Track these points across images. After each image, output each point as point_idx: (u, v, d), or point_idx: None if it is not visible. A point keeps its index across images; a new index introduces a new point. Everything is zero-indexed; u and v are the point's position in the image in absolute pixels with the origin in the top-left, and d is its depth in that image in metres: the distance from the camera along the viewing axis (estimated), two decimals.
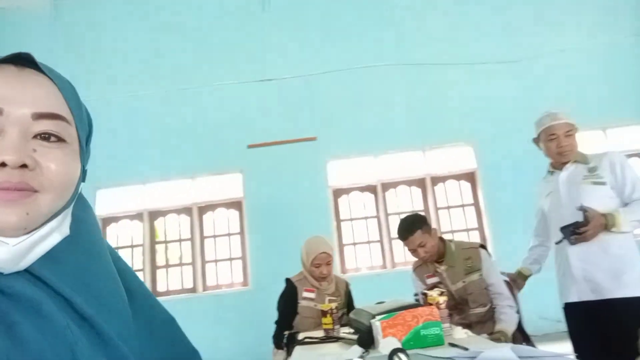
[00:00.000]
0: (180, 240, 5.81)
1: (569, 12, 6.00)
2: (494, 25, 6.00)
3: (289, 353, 2.34)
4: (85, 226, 0.63)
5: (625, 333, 1.61)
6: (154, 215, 5.84)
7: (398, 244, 5.62)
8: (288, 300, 2.50)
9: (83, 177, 0.62)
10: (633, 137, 5.74)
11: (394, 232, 5.61)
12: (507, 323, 2.22)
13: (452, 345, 1.42)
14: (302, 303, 2.48)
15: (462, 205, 5.77)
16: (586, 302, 2.01)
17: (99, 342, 0.57)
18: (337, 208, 5.76)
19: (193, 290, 5.61)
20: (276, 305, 2.58)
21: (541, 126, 2.23)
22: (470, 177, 5.80)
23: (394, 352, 1.14)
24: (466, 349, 1.29)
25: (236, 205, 5.83)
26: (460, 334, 1.56)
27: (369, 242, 5.67)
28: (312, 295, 2.49)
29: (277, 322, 2.52)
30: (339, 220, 5.73)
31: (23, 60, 0.58)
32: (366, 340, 1.50)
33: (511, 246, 4.98)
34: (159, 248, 5.81)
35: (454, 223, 5.70)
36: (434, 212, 5.66)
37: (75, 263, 0.60)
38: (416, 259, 2.55)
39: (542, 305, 4.17)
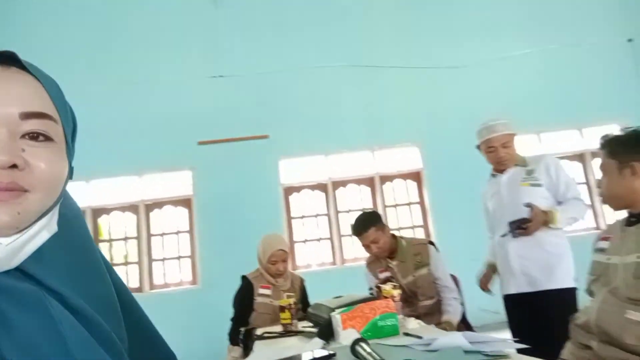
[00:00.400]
0: (125, 239, 5.64)
1: (509, 21, 6.38)
2: (441, 32, 6.27)
3: (245, 349, 2.37)
4: (71, 222, 0.65)
5: (557, 320, 1.78)
6: (97, 212, 5.64)
7: (347, 241, 5.77)
8: (244, 297, 2.53)
9: (70, 174, 0.62)
10: (565, 141, 6.22)
11: (344, 230, 5.79)
12: (452, 314, 2.38)
13: (407, 334, 1.53)
14: (258, 299, 2.52)
15: (409, 204, 6.00)
16: (524, 294, 2.19)
17: (91, 333, 0.59)
18: (288, 206, 5.81)
19: (139, 289, 5.47)
20: (232, 303, 2.60)
21: (480, 138, 2.40)
22: (416, 176, 6.04)
23: (356, 342, 1.22)
24: (420, 337, 1.39)
25: (185, 202, 5.73)
26: (413, 324, 1.67)
27: (319, 240, 5.77)
28: (268, 291, 2.53)
29: (233, 319, 2.54)
30: (290, 218, 5.78)
31: (6, 59, 0.57)
32: (326, 332, 1.57)
33: (453, 242, 5.27)
34: (103, 246, 5.61)
35: (400, 220, 5.91)
36: (382, 209, 5.84)
37: (63, 259, 0.61)
38: (369, 255, 2.65)
39: (482, 297, 4.44)
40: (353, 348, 1.21)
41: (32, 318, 0.53)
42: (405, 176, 6.05)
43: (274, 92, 5.92)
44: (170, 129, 5.71)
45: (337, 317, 1.52)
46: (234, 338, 2.47)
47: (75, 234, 0.65)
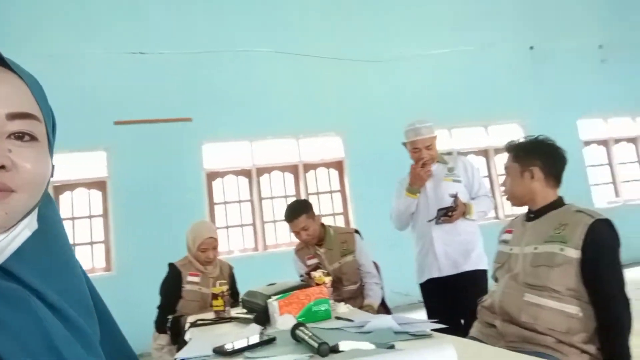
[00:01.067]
0: None
1: (431, 21, 6.76)
2: (368, 26, 6.49)
3: (173, 336, 2.37)
4: (47, 218, 0.65)
5: (471, 299, 2.00)
6: None
7: (270, 228, 5.84)
8: (172, 285, 2.52)
9: (52, 172, 0.63)
10: (472, 137, 6.76)
11: (267, 216, 5.85)
12: (373, 298, 2.56)
13: (338, 318, 1.64)
14: (186, 287, 2.52)
15: (330, 192, 6.19)
16: (445, 277, 2.44)
17: (71, 330, 0.61)
18: (210, 191, 5.73)
19: None
20: (159, 290, 2.57)
21: (407, 138, 2.60)
22: (338, 165, 6.24)
23: (296, 326, 1.30)
24: (351, 320, 1.52)
25: (99, 185, 5.44)
26: (343, 308, 1.79)
27: (242, 226, 5.78)
28: (196, 279, 2.54)
29: (159, 307, 2.52)
30: (212, 204, 5.71)
31: None
32: (263, 318, 1.64)
33: (372, 230, 5.53)
34: None
35: (322, 208, 6.08)
36: (304, 197, 5.97)
37: (41, 256, 0.62)
38: (298, 242, 2.76)
39: (395, 281, 4.76)
40: (294, 332, 1.29)
41: (19, 316, 0.53)
42: (328, 165, 6.23)
43: (199, 74, 5.77)
44: (85, 107, 5.35)
45: (274, 303, 1.60)
46: (160, 326, 2.46)
47: (51, 230, 0.65)
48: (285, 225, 5.89)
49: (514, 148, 1.73)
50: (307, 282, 2.07)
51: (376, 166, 6.09)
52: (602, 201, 7.26)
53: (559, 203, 1.65)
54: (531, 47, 7.22)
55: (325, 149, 6.23)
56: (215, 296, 2.03)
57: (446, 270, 2.44)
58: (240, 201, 5.82)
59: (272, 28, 6.10)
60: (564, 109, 7.09)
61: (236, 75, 5.87)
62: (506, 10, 7.23)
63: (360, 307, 2.46)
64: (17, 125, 0.57)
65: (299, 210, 2.63)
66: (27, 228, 0.59)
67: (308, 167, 6.13)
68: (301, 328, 1.29)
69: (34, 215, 0.61)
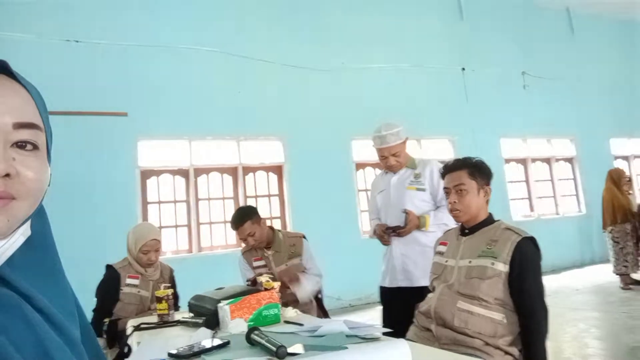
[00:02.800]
0: None
1: (372, 37, 7.01)
2: (314, 36, 6.62)
3: (109, 340, 2.30)
4: (36, 224, 0.66)
5: None
6: None
7: (206, 229, 5.75)
8: (109, 287, 2.43)
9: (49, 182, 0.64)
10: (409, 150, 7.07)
11: (204, 217, 5.76)
12: (307, 279, 2.60)
13: (287, 322, 1.70)
14: (124, 290, 2.45)
15: (269, 196, 6.22)
16: (400, 288, 2.46)
17: (60, 336, 0.62)
18: (144, 190, 5.55)
19: None
20: (95, 292, 2.48)
21: (374, 144, 2.57)
22: (278, 169, 6.29)
23: (252, 330, 1.35)
24: (301, 325, 1.58)
25: None
26: (291, 312, 1.85)
27: (176, 227, 5.64)
28: (136, 282, 2.48)
29: (95, 310, 2.42)
30: (145, 203, 5.53)
31: None
32: (213, 322, 1.66)
33: (309, 234, 5.65)
34: None
35: (260, 211, 6.08)
36: (242, 200, 5.95)
37: (31, 262, 0.63)
38: (245, 245, 2.78)
39: (328, 286, 4.88)
40: (249, 336, 1.33)
41: (13, 322, 0.54)
42: (267, 168, 6.25)
43: (138, 68, 5.57)
44: None
45: (225, 307, 1.62)
46: (96, 329, 2.36)
47: (39, 236, 0.66)
48: (221, 227, 5.86)
49: (470, 166, 1.82)
50: (251, 286, 2.10)
51: (315, 172, 6.22)
52: (518, 215, 7.90)
53: (490, 220, 1.82)
54: (463, 69, 7.71)
55: (266, 152, 6.25)
56: (159, 299, 2.01)
57: (402, 282, 2.45)
58: (175, 201, 5.69)
59: (217, 28, 6.04)
60: (489, 128, 7.64)
61: (177, 72, 5.73)
62: (441, 32, 7.68)
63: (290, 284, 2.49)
64: (22, 135, 0.58)
65: (243, 216, 2.64)
66: (22, 235, 0.60)
67: (247, 169, 6.11)
68: (256, 332, 1.34)
69: (28, 223, 0.62)
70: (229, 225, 5.82)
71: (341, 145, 6.57)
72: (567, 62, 8.76)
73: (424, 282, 2.34)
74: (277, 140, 6.30)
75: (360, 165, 6.81)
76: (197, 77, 5.83)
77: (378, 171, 6.99)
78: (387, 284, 2.54)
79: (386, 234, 2.47)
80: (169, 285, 2.13)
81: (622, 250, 5.47)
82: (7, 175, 0.55)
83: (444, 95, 7.44)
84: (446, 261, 1.85)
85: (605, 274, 6.52)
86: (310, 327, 1.48)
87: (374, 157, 7.20)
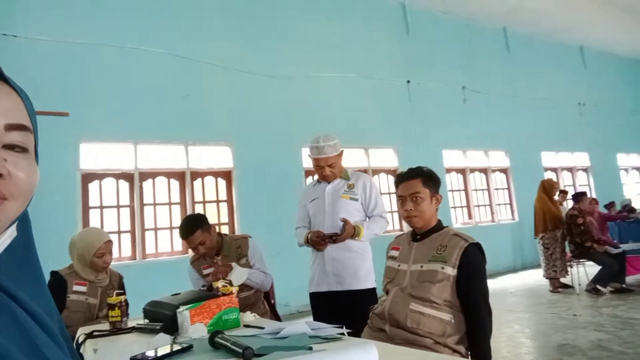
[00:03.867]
0: None
1: (322, 46, 7.14)
2: (265, 42, 6.64)
3: None
4: (23, 227, 0.67)
5: (359, 315, 2.17)
6: None
7: (151, 236, 5.59)
8: (55, 294, 2.31)
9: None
10: (353, 157, 7.25)
11: (149, 223, 5.59)
12: (252, 271, 2.63)
13: (247, 326, 1.72)
14: (71, 297, 2.35)
15: (217, 201, 6.14)
16: (333, 292, 2.53)
17: (46, 334, 0.63)
18: (85, 194, 5.31)
19: None
20: None
21: (310, 154, 2.63)
22: (227, 175, 6.23)
23: (215, 334, 1.36)
24: (262, 328, 1.61)
25: None
26: (250, 317, 1.86)
27: (119, 232, 5.43)
28: (83, 288, 2.39)
29: None
30: (86, 208, 5.29)
31: None
32: (171, 327, 1.65)
33: (257, 239, 5.66)
34: None
35: (209, 217, 5.99)
36: (190, 205, 5.84)
37: (15, 262, 0.64)
38: (193, 254, 2.75)
39: (276, 292, 4.90)
40: (212, 340, 1.35)
41: (3, 321, 0.54)
42: (216, 174, 6.18)
43: (81, 66, 5.34)
44: None
45: (185, 312, 1.62)
46: None
47: (24, 236, 0.66)
48: (167, 233, 5.71)
49: (424, 175, 1.93)
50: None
51: (264, 178, 6.23)
52: (458, 222, 8.29)
53: (440, 226, 1.94)
54: (408, 82, 8.02)
55: (215, 157, 6.18)
56: (111, 306, 1.95)
57: (334, 286, 2.52)
58: (119, 206, 5.48)
59: (167, 29, 5.92)
60: (431, 139, 7.99)
61: (124, 72, 5.56)
62: (388, 45, 7.96)
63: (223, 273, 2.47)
64: (14, 137, 0.58)
65: (194, 225, 2.60)
66: (9, 237, 0.61)
67: (196, 174, 6.01)
68: (220, 335, 1.35)
69: (16, 224, 0.63)
70: (175, 231, 5.74)
71: (291, 152, 6.62)
72: (503, 79, 9.36)
73: (355, 285, 2.51)
74: (227, 145, 6.25)
75: (309, 172, 6.88)
76: (144, 78, 5.68)
77: None
78: (317, 289, 2.60)
79: (322, 240, 2.52)
80: (122, 291, 2.08)
81: (552, 255, 5.90)
82: (0, 176, 0.55)
83: (390, 106, 7.70)
84: (399, 265, 1.94)
85: (536, 278, 6.99)
86: (272, 329, 1.51)
87: None
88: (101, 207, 5.40)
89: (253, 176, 6.22)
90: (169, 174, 5.84)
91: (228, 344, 1.28)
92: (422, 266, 1.83)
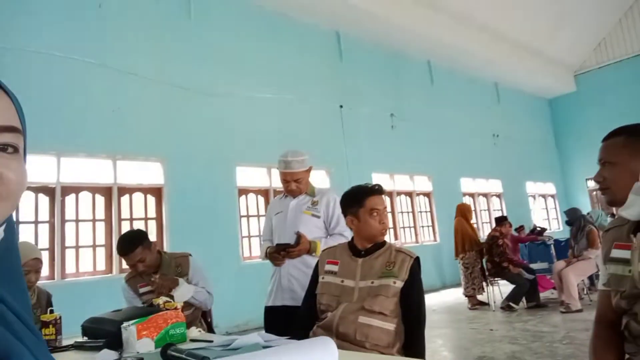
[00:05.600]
0: None
1: (259, 66, 7.23)
2: (201, 59, 6.60)
3: None
4: (8, 229, 0.67)
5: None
6: None
7: (71, 254, 5.27)
8: None
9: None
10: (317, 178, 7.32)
11: (70, 240, 5.26)
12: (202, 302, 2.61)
13: (193, 340, 1.72)
14: None
15: (145, 219, 5.92)
16: (287, 306, 2.52)
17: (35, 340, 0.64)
18: None
19: None
20: None
21: (278, 167, 2.66)
22: (157, 192, 6.04)
23: (167, 347, 1.36)
24: (211, 341, 1.61)
25: None
26: (195, 332, 1.85)
27: None
28: None
29: None
30: None
31: None
32: (114, 343, 1.60)
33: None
34: None
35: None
36: (116, 222, 5.58)
37: (1, 264, 0.65)
38: (130, 271, 2.66)
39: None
40: (165, 353, 1.35)
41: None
42: (145, 190, 5.98)
43: (0, 71, 5.00)
44: None
45: (131, 328, 1.58)
46: None
47: (9, 237, 0.67)
48: (89, 251, 5.40)
49: (376, 191, 2.05)
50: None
51: (196, 196, 6.12)
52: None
53: (382, 243, 2.05)
54: (341, 106, 8.32)
55: (144, 173, 5.98)
56: (45, 324, 1.85)
57: (288, 301, 2.52)
58: (37, 222, 5.11)
59: (98, 39, 5.71)
60: (362, 162, 8.30)
61: (47, 80, 5.25)
62: (323, 70, 8.24)
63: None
64: (5, 138, 0.59)
65: (134, 242, 2.53)
66: None
67: (123, 190, 5.77)
68: (173, 348, 1.36)
69: (4, 225, 0.64)
70: (99, 249, 5.45)
71: (225, 170, 6.57)
72: (427, 108, 9.99)
73: None
74: (158, 161, 6.08)
75: (243, 191, 6.87)
76: (71, 87, 5.42)
77: (261, 198, 7.14)
78: (272, 303, 2.61)
79: (278, 253, 2.54)
80: (53, 308, 1.97)
81: (471, 275, 6.33)
82: None
83: (323, 128, 7.93)
84: (342, 281, 1.96)
85: (455, 296, 7.41)
86: (223, 341, 1.53)
87: (258, 183, 7.30)
88: (17, 223, 4.99)
89: (185, 194, 6.09)
90: (94, 189, 5.56)
91: (182, 356, 1.29)
92: (373, 282, 1.90)
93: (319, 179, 7.85)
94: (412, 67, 10.05)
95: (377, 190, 2.02)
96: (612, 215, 7.59)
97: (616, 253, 1.37)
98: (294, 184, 2.61)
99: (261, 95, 7.16)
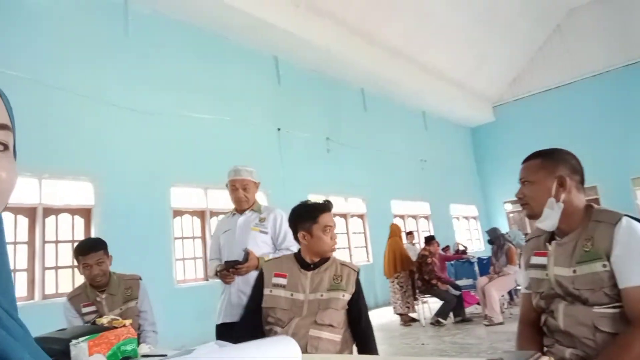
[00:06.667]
0: None
1: (196, 85, 7.21)
2: (135, 76, 6.47)
3: None
4: None
5: None
6: None
7: None
8: None
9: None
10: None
11: None
12: (152, 345, 2.56)
13: (145, 356, 1.71)
14: None
15: (72, 241, 5.62)
16: (237, 323, 2.45)
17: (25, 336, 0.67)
18: None
19: None
20: None
21: (228, 176, 2.74)
22: (86, 212, 5.77)
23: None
24: (164, 355, 1.62)
25: None
26: (145, 348, 1.83)
27: None
28: None
29: None
30: None
31: None
32: None
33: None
34: None
35: (61, 258, 5.45)
36: (40, 245, 5.25)
37: None
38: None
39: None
40: None
41: None
42: (73, 211, 5.69)
43: None
44: None
45: (82, 345, 1.55)
46: None
47: None
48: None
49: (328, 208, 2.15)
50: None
51: (129, 217, 5.92)
52: None
53: (327, 256, 2.16)
54: (278, 129, 8.46)
55: (73, 193, 5.70)
56: None
57: (237, 317, 2.50)
58: None
59: (29, 53, 5.45)
60: (298, 185, 8.43)
61: None
62: (261, 92, 8.37)
63: None
64: None
65: (98, 243, 2.56)
66: None
67: (49, 211, 5.46)
68: None
69: None
70: (20, 274, 5.07)
71: (159, 190, 6.42)
72: (361, 133, 10.41)
73: None
74: (87, 181, 5.82)
75: (178, 213, 6.73)
76: None
77: (196, 219, 7.02)
78: (223, 320, 2.62)
79: (227, 270, 2.56)
80: None
81: (405, 293, 6.61)
82: None
83: (261, 150, 8.00)
84: (292, 295, 1.99)
85: (388, 315, 7.65)
86: (178, 353, 1.55)
87: (194, 204, 7.15)
88: None
89: (116, 215, 5.86)
90: (17, 210, 5.21)
91: None
92: (322, 295, 1.97)
93: (257, 199, 7.86)
94: (347, 93, 10.46)
95: (329, 207, 2.10)
96: (526, 234, 8.29)
97: (535, 260, 1.59)
98: (242, 192, 2.69)
99: (199, 115, 7.13)
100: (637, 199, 12.03)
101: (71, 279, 5.47)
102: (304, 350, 1.89)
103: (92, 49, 6.11)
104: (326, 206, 2.09)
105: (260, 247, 2.65)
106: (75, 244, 2.70)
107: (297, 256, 2.09)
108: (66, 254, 5.48)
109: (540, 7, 12.67)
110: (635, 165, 12.04)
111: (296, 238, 2.10)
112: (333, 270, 2.04)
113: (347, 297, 1.98)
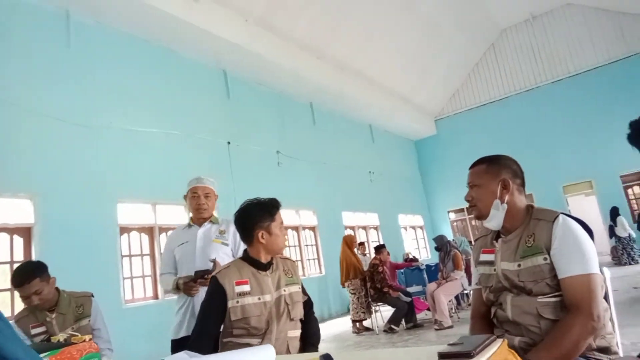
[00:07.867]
0: None
1: (144, 99, 7.06)
2: (78, 89, 6.25)
3: None
4: None
5: None
6: None
7: None
8: None
9: None
10: (179, 214, 7.13)
11: None
12: None
13: None
14: None
15: (11, 262, 5.30)
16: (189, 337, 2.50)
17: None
18: None
19: None
20: None
21: (189, 186, 2.74)
22: (25, 232, 5.47)
23: None
24: None
25: None
26: None
27: None
28: None
29: None
30: None
31: None
32: None
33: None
34: None
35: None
36: None
37: None
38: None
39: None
40: None
41: None
42: (11, 230, 5.37)
43: None
44: None
45: None
46: None
47: None
48: None
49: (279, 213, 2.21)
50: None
51: (72, 235, 5.68)
52: None
53: (278, 255, 2.18)
54: (228, 143, 8.42)
55: (11, 211, 5.39)
56: None
57: None
58: None
59: None
60: (249, 197, 8.34)
61: None
62: (210, 106, 8.31)
63: None
64: None
65: (33, 272, 2.39)
66: None
67: None
68: None
69: None
70: None
71: (105, 207, 6.19)
72: (310, 147, 10.55)
73: None
74: (27, 198, 5.53)
75: (125, 230, 6.51)
76: None
77: (145, 236, 6.81)
78: (185, 334, 2.55)
79: (194, 281, 2.52)
80: None
81: (359, 300, 6.73)
82: None
83: (211, 164, 7.92)
84: (259, 298, 1.94)
85: (341, 325, 7.74)
86: None
87: (142, 221, 6.95)
88: None
89: (59, 233, 5.59)
90: None
91: None
92: (285, 290, 1.99)
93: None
94: (296, 107, 10.59)
95: (280, 204, 2.08)
96: (470, 242, 8.72)
97: (484, 257, 1.73)
98: (204, 200, 2.71)
99: (146, 129, 6.97)
100: (569, 205, 12.92)
101: (10, 303, 5.14)
102: (285, 353, 1.92)
103: (31, 60, 5.85)
104: (279, 203, 2.08)
105: (223, 258, 2.65)
106: (15, 267, 2.55)
107: (248, 259, 2.01)
108: (5, 277, 5.15)
109: (476, 27, 13.54)
110: (565, 174, 12.96)
111: (248, 239, 2.00)
112: (282, 266, 2.08)
113: (299, 288, 2.08)
